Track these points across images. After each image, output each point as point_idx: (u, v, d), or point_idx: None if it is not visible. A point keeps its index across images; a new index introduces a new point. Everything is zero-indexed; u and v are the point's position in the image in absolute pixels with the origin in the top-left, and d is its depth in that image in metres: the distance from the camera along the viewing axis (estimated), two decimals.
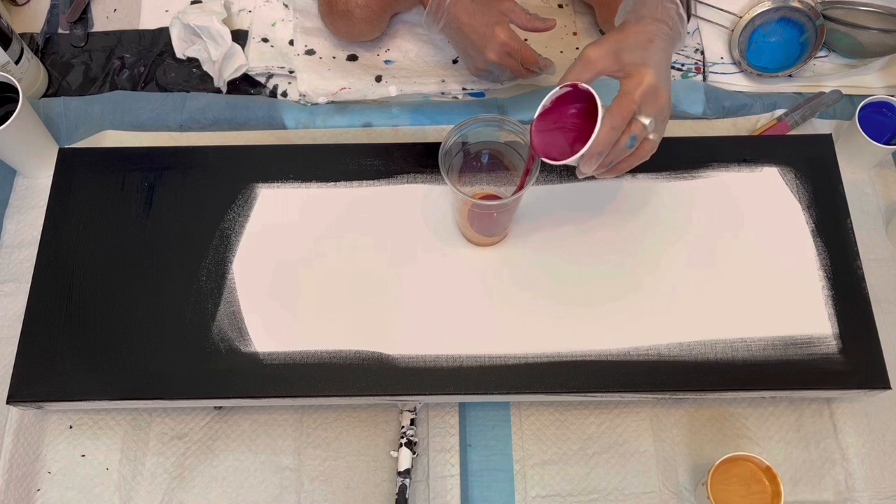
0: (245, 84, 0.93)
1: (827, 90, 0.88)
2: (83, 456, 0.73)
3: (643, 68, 0.55)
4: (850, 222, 0.74)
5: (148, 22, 0.98)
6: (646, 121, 0.56)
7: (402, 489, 0.69)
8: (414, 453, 0.71)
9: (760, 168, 0.77)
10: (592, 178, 0.60)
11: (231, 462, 0.72)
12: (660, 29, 0.58)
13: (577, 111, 0.58)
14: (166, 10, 0.98)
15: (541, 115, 0.58)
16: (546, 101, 0.58)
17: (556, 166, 0.58)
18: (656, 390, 0.68)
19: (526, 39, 0.84)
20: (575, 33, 0.94)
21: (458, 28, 0.79)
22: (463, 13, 0.77)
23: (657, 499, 0.71)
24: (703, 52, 0.93)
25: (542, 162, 0.59)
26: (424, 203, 0.76)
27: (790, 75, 0.91)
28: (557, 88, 0.57)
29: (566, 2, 0.96)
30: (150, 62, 0.95)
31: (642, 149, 0.58)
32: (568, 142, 0.58)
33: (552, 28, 0.79)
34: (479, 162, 0.71)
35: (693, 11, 0.95)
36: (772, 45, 0.93)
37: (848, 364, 0.68)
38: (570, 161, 0.56)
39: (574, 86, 0.56)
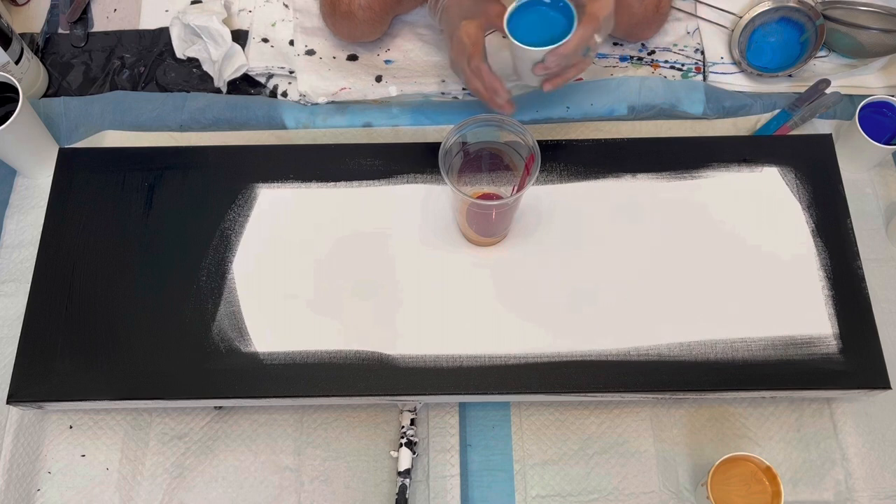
0: (245, 84, 0.93)
1: (827, 91, 0.88)
2: (83, 456, 0.73)
3: None
4: (850, 222, 0.74)
5: (148, 22, 0.98)
6: (599, 39, 0.67)
7: (402, 489, 0.69)
8: (414, 453, 0.71)
9: (760, 168, 0.77)
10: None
11: (231, 462, 0.72)
12: None
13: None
14: (166, 10, 0.98)
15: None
16: None
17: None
18: (656, 390, 0.68)
19: None
20: None
21: (445, 27, 0.77)
22: (455, 9, 0.74)
23: (657, 499, 0.71)
24: (703, 52, 0.93)
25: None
26: (424, 203, 0.76)
27: (790, 75, 0.91)
28: None
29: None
30: (150, 62, 0.95)
31: (585, 62, 0.70)
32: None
33: None
34: (479, 162, 0.71)
35: (693, 11, 0.95)
36: (772, 45, 0.93)
37: (848, 364, 0.68)
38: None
39: None
